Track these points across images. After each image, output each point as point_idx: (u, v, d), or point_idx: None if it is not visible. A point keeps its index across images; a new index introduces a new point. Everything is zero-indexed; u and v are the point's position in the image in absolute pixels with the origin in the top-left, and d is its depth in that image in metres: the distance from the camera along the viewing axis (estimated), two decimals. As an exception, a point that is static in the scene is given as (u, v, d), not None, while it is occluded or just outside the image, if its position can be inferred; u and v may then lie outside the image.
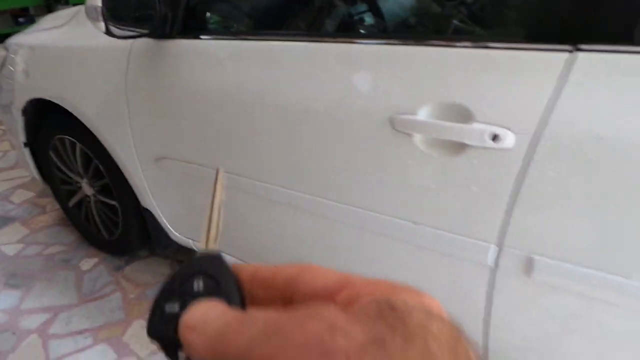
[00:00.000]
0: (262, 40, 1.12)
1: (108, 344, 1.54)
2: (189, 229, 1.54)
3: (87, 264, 1.89)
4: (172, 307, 0.21)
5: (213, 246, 0.25)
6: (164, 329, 0.21)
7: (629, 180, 0.71)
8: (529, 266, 0.85)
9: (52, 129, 1.76)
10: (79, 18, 1.53)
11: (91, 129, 1.51)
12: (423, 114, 0.87)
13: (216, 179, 0.27)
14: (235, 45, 1.17)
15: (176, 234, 1.59)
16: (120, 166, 1.53)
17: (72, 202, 1.92)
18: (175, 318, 0.21)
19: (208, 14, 1.33)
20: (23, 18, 3.91)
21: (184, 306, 0.21)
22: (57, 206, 2.08)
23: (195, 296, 0.21)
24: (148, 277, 1.82)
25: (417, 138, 0.89)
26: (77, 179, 1.82)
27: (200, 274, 0.22)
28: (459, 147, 0.85)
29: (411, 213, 0.96)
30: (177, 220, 1.55)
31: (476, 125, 0.81)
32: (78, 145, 1.69)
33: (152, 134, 1.36)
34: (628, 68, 0.70)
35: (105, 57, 1.37)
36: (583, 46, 0.73)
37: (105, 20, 1.06)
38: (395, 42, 0.93)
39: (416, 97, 0.87)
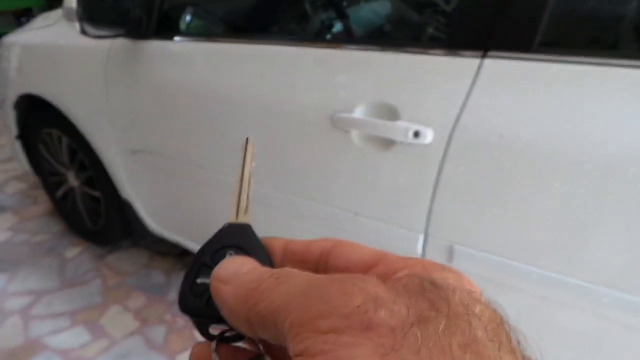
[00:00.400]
0: (229, 43, 1.21)
1: (84, 327, 1.63)
2: (164, 220, 1.63)
3: (71, 251, 1.98)
4: (203, 279, 0.21)
5: (243, 218, 0.23)
6: (196, 301, 0.20)
7: (527, 173, 0.79)
8: (450, 254, 0.93)
9: (41, 123, 1.86)
10: (66, 18, 1.63)
11: (75, 123, 1.60)
12: (359, 112, 0.95)
13: (245, 147, 0.25)
14: (206, 46, 1.26)
15: (153, 224, 1.68)
16: (102, 159, 1.62)
17: (60, 192, 2.02)
18: (207, 290, 0.20)
19: (187, 17, 1.42)
20: (25, 18, 4.05)
21: None
22: (47, 197, 2.18)
23: None
24: (128, 266, 1.91)
25: (354, 134, 0.97)
26: (64, 170, 1.92)
27: (231, 247, 0.22)
28: (389, 143, 0.93)
29: (351, 204, 1.04)
30: (153, 212, 1.64)
31: (401, 123, 0.89)
32: (64, 139, 1.79)
33: (129, 128, 1.46)
34: (526, 73, 0.78)
35: (88, 56, 1.47)
36: (490, 53, 0.81)
37: (80, 21, 1.16)
38: (336, 47, 1.02)
39: (353, 97, 0.96)
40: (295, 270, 0.19)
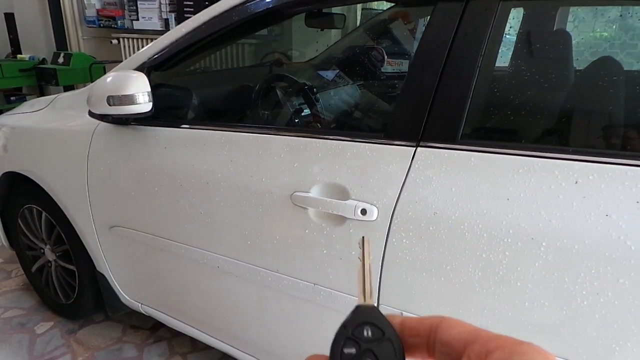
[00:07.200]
0: (203, 129, 1.34)
1: (50, 405, 1.61)
2: (138, 292, 1.67)
3: (42, 327, 1.98)
4: (349, 349, 0.26)
5: (369, 300, 0.28)
6: None
7: (459, 245, 0.89)
8: (400, 321, 1.01)
9: (22, 199, 1.93)
10: (53, 105, 1.77)
11: (55, 199, 1.69)
12: (314, 192, 1.07)
13: (363, 243, 0.30)
14: (183, 132, 1.38)
15: (126, 297, 1.71)
16: (79, 233, 1.69)
17: (35, 267, 2.05)
18: (353, 359, 0.25)
19: (167, 105, 1.56)
20: (15, 97, 4.20)
21: (359, 349, 0.26)
22: (22, 272, 2.19)
23: (367, 341, 0.26)
24: (99, 340, 1.91)
25: (310, 211, 1.08)
26: (41, 245, 1.97)
27: (367, 323, 0.26)
28: (341, 219, 1.04)
29: (311, 275, 1.12)
30: (127, 284, 1.68)
31: (350, 202, 1.01)
32: (44, 214, 1.85)
33: (108, 205, 1.54)
34: (450, 161, 0.91)
35: (72, 138, 1.58)
36: (422, 143, 0.95)
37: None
38: (295, 134, 1.15)
39: (309, 178, 1.08)
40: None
